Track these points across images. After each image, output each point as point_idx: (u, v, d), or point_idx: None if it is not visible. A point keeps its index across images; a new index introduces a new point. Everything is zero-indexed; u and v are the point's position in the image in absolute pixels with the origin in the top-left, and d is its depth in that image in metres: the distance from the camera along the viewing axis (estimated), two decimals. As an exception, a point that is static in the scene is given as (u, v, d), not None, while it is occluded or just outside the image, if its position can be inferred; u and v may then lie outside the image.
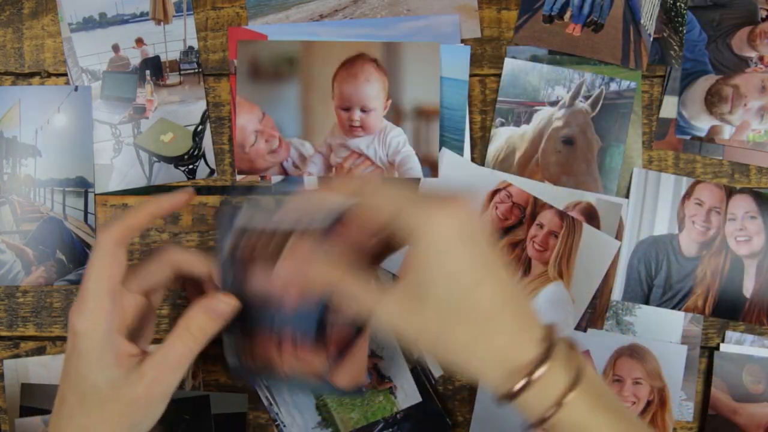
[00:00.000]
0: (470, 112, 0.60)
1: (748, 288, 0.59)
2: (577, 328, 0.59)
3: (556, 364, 0.39)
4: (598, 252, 0.59)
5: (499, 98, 0.60)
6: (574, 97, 0.59)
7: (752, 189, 0.59)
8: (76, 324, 0.45)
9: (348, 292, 0.42)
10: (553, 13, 0.59)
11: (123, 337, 0.46)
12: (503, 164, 0.59)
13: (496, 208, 0.59)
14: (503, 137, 0.60)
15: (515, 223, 0.59)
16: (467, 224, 0.40)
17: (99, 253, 0.46)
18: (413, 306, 0.40)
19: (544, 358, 0.39)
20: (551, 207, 0.58)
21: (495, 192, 0.59)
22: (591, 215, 0.58)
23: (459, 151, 0.59)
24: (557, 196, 0.59)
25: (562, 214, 0.58)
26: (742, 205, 0.59)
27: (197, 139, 0.60)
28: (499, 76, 0.60)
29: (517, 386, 0.39)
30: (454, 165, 0.59)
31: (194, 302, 0.46)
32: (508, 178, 0.59)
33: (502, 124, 0.60)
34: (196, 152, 0.60)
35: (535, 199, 0.59)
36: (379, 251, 0.46)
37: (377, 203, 0.42)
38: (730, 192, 0.59)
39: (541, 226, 0.59)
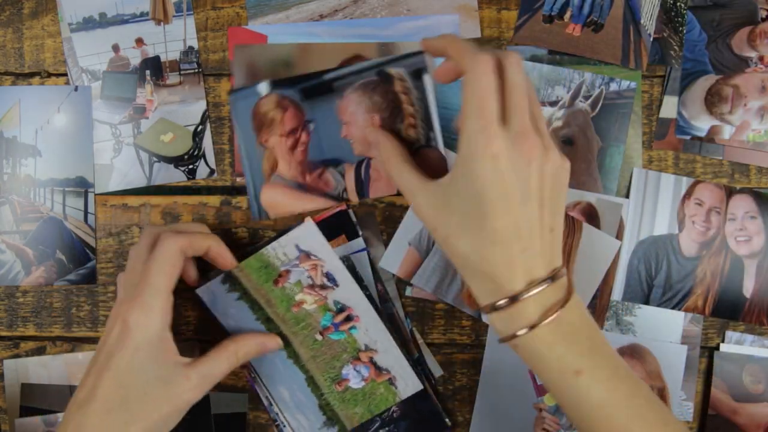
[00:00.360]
0: (470, 112, 0.60)
1: (748, 288, 0.59)
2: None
3: (550, 291, 0.44)
4: (598, 252, 0.59)
5: (499, 98, 0.60)
6: (574, 97, 0.59)
7: (752, 189, 0.59)
8: (134, 318, 0.47)
9: (396, 172, 0.49)
10: (553, 13, 0.59)
11: (171, 335, 0.49)
12: (503, 164, 0.59)
13: None
14: (503, 137, 0.59)
15: None
16: (506, 154, 0.42)
17: (165, 255, 0.49)
18: (439, 203, 0.45)
19: (543, 282, 0.44)
20: None
21: None
22: (591, 215, 0.58)
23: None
24: None
25: None
26: (742, 205, 0.59)
27: (197, 139, 0.60)
28: (499, 76, 0.60)
29: (502, 302, 0.44)
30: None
31: (248, 335, 0.54)
32: None
33: (502, 124, 0.60)
34: (196, 152, 0.60)
35: None
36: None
37: (469, 47, 0.44)
38: (730, 192, 0.59)
39: None
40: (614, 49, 0.59)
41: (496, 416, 0.59)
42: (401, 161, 0.49)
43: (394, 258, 0.59)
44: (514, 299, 0.43)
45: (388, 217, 0.60)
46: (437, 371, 0.60)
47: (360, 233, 0.59)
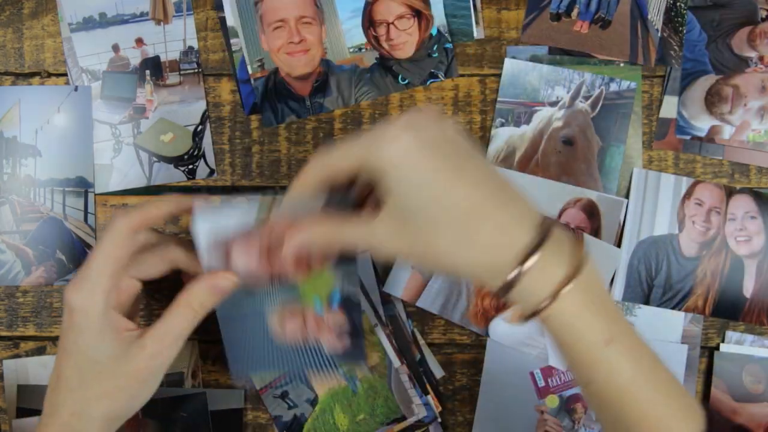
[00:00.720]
0: (470, 112, 0.60)
1: (748, 288, 0.59)
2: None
3: (550, 254, 0.38)
4: (600, 261, 0.58)
5: (499, 98, 0.60)
6: (574, 98, 0.59)
7: (752, 189, 0.59)
8: (73, 300, 0.46)
9: (343, 238, 0.43)
10: (560, 11, 0.59)
11: (119, 314, 0.47)
12: (503, 164, 0.59)
13: None
14: (503, 137, 0.60)
15: None
16: (422, 132, 0.39)
17: (112, 235, 0.47)
18: (397, 228, 0.40)
19: (536, 246, 0.38)
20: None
21: None
22: (592, 212, 0.58)
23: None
24: (558, 192, 0.59)
25: (564, 226, 0.58)
26: (742, 205, 0.59)
27: (197, 139, 0.60)
28: (499, 76, 0.60)
29: (510, 276, 0.38)
30: None
31: (197, 281, 0.47)
32: (511, 175, 0.59)
33: (502, 125, 0.60)
34: (195, 152, 0.60)
35: None
36: (361, 195, 0.46)
37: (338, 157, 0.42)
38: (730, 192, 0.59)
39: None
40: (622, 46, 0.59)
41: (497, 418, 0.59)
42: (330, 228, 0.43)
43: (397, 282, 0.59)
44: (512, 282, 0.39)
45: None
46: (438, 372, 0.60)
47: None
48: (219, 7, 0.59)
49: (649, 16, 0.59)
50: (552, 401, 0.59)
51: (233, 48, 0.59)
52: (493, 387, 0.59)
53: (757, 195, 0.59)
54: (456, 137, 0.41)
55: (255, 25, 0.59)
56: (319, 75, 0.59)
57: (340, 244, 0.43)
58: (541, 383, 0.59)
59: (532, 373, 0.59)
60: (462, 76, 0.60)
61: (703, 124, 0.59)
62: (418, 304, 0.59)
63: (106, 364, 0.46)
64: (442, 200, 0.39)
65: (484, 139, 0.60)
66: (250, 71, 0.59)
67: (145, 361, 0.46)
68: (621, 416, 0.40)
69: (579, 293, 0.39)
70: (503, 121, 0.60)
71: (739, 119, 0.59)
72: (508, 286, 0.39)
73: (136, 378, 0.47)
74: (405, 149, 0.39)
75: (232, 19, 0.59)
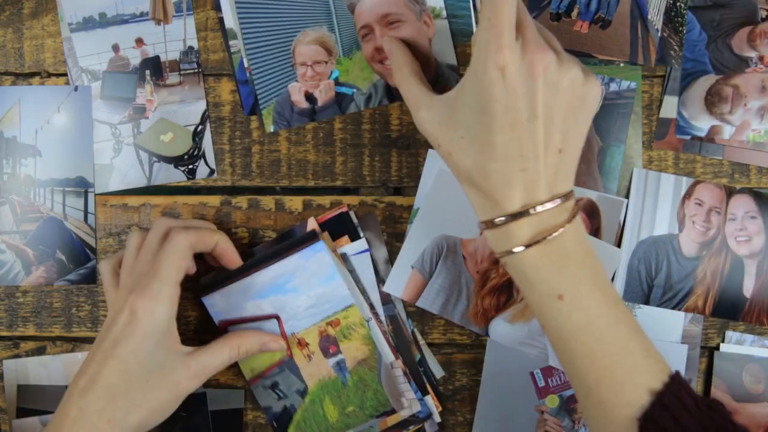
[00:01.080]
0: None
1: (748, 288, 0.59)
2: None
3: (527, 223, 0.43)
4: (601, 262, 0.58)
5: (499, 98, 0.60)
6: (574, 97, 0.59)
7: (752, 189, 0.59)
8: (143, 307, 0.48)
9: (404, 83, 0.48)
10: (560, 11, 0.59)
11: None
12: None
13: None
14: (503, 137, 0.59)
15: None
16: (533, 69, 0.41)
17: (176, 248, 0.50)
18: (444, 117, 0.45)
19: (520, 212, 0.43)
20: None
21: None
22: (592, 212, 0.58)
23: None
24: None
25: None
26: (742, 205, 0.59)
27: (197, 139, 0.60)
28: (499, 76, 0.60)
29: (495, 221, 0.44)
30: (448, 184, 0.57)
31: (254, 332, 0.55)
32: None
33: (502, 124, 0.60)
34: (196, 152, 0.60)
35: None
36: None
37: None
38: (730, 192, 0.59)
39: None
40: (622, 46, 0.59)
41: (497, 419, 0.59)
42: (410, 73, 0.49)
43: (398, 282, 0.59)
44: (508, 219, 0.43)
45: (388, 216, 0.60)
46: (438, 372, 0.60)
47: (361, 235, 0.59)
48: (218, 7, 0.59)
49: (649, 16, 0.59)
50: (552, 401, 0.59)
51: (232, 49, 0.59)
52: (493, 387, 0.59)
53: (757, 195, 0.59)
54: (588, 97, 0.44)
55: (260, 27, 0.59)
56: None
57: (397, 86, 0.49)
58: (541, 383, 0.59)
59: (532, 373, 0.59)
60: (462, 76, 0.60)
61: (703, 124, 0.59)
62: (418, 304, 0.59)
63: (156, 375, 0.48)
64: (492, 133, 0.42)
65: (484, 139, 0.60)
66: (246, 65, 0.59)
67: (188, 380, 0.49)
68: (572, 363, 0.45)
69: (544, 249, 0.43)
70: (503, 121, 0.60)
71: (739, 119, 0.59)
72: (493, 224, 0.44)
73: (175, 393, 0.49)
74: (508, 73, 0.41)
75: (231, 20, 0.59)
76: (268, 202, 0.60)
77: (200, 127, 0.60)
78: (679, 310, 0.59)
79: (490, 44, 0.41)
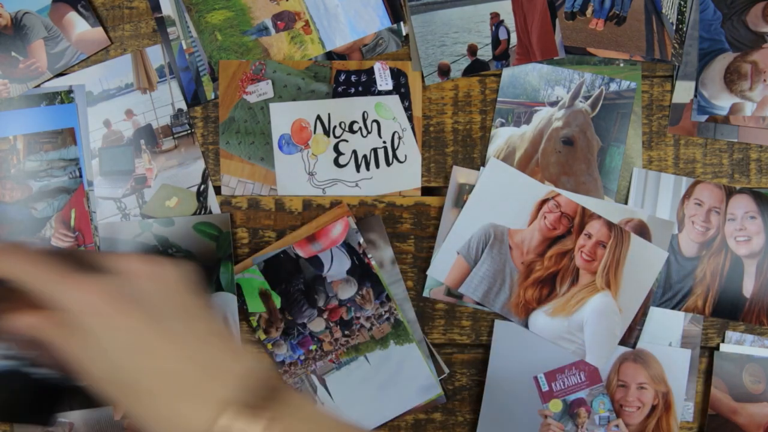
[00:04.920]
0: (470, 112, 0.60)
1: (748, 288, 0.59)
2: (624, 342, 0.59)
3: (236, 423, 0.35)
4: (646, 263, 0.58)
5: (499, 98, 0.60)
6: (574, 98, 0.59)
7: (752, 189, 0.59)
8: None
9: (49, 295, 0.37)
10: (574, 10, 0.59)
11: None
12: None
13: (545, 217, 0.59)
14: (503, 137, 0.59)
15: (563, 233, 0.59)
16: (119, 287, 0.36)
17: None
18: (98, 385, 0.37)
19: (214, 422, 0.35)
20: (599, 217, 0.58)
21: (543, 202, 0.59)
22: (643, 233, 0.58)
23: None
24: (611, 212, 0.59)
25: (610, 225, 0.58)
26: (742, 205, 0.59)
27: (201, 198, 0.60)
28: (499, 76, 0.60)
29: None
30: (500, 174, 0.59)
31: None
32: (557, 188, 0.59)
33: (502, 125, 0.60)
34: (202, 211, 0.60)
35: (584, 209, 0.58)
36: None
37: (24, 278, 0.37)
38: (729, 192, 0.59)
39: (589, 236, 0.58)
40: (638, 41, 0.59)
41: (501, 422, 0.59)
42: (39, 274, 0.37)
43: (441, 266, 0.59)
44: None
45: (387, 217, 0.60)
46: (445, 368, 0.60)
47: (360, 242, 0.59)
48: (156, 8, 0.59)
49: (664, 10, 0.59)
50: (555, 406, 0.59)
51: (171, 37, 0.59)
52: (497, 391, 0.59)
53: (756, 195, 0.59)
54: (161, 286, 0.38)
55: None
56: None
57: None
58: (545, 388, 0.59)
59: (535, 378, 0.59)
60: (462, 75, 0.60)
61: (723, 102, 0.59)
62: (461, 290, 0.59)
63: None
64: (137, 368, 0.36)
65: (484, 140, 0.60)
66: (184, 47, 0.59)
67: None
68: None
69: None
70: (503, 121, 0.60)
71: (760, 95, 0.59)
72: None
73: None
74: (102, 306, 0.35)
75: (167, 7, 0.59)
76: (268, 202, 0.60)
77: (203, 186, 0.60)
78: (679, 310, 0.59)
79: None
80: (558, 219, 0.58)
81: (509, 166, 0.59)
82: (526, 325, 0.59)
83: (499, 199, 0.58)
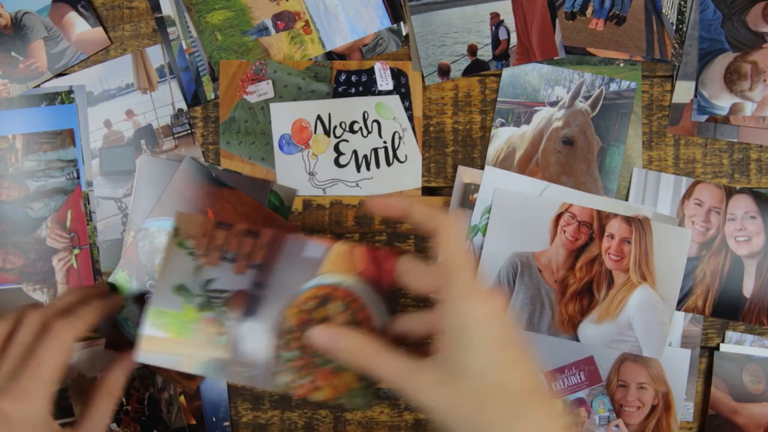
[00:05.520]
0: (470, 112, 0.60)
1: (748, 288, 0.59)
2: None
3: None
4: (673, 245, 0.58)
5: (499, 98, 0.60)
6: (574, 98, 0.59)
7: (752, 189, 0.59)
8: (16, 412, 0.44)
9: (377, 367, 0.40)
10: (574, 10, 0.59)
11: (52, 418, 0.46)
12: (503, 164, 0.59)
13: (564, 231, 0.58)
14: (503, 137, 0.60)
15: (586, 241, 0.58)
16: (502, 307, 0.39)
17: (59, 345, 0.46)
18: (446, 380, 0.39)
19: None
20: (616, 215, 0.58)
21: (558, 217, 0.59)
22: (642, 230, 0.58)
23: None
24: (615, 208, 0.59)
25: (629, 220, 0.58)
26: (742, 205, 0.59)
27: None
28: (499, 76, 0.60)
29: None
30: (509, 201, 0.59)
31: (110, 367, 0.51)
32: (565, 197, 0.59)
33: (502, 125, 0.60)
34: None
35: (599, 212, 0.58)
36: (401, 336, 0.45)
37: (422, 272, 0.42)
38: (729, 192, 0.59)
39: (611, 236, 0.58)
40: (638, 41, 0.59)
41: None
42: (377, 350, 0.41)
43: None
44: None
45: (387, 217, 0.60)
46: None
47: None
48: (156, 8, 0.59)
49: (664, 10, 0.59)
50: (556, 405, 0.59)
51: (171, 37, 0.59)
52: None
53: (756, 195, 0.59)
54: (517, 326, 0.42)
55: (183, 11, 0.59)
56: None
57: (370, 371, 0.41)
58: (545, 387, 0.59)
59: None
60: (462, 75, 0.60)
61: (723, 102, 0.59)
62: None
63: None
64: (508, 372, 0.39)
65: (484, 139, 0.60)
66: (184, 47, 0.59)
67: None
68: None
69: None
70: (503, 121, 0.60)
71: (760, 95, 0.59)
72: None
73: None
74: (491, 315, 0.39)
75: (167, 8, 0.59)
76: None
77: (204, 190, 0.60)
78: (679, 310, 0.59)
79: (467, 300, 0.39)
80: (577, 229, 0.58)
81: (514, 191, 0.59)
82: (577, 339, 0.58)
83: (516, 227, 0.58)
